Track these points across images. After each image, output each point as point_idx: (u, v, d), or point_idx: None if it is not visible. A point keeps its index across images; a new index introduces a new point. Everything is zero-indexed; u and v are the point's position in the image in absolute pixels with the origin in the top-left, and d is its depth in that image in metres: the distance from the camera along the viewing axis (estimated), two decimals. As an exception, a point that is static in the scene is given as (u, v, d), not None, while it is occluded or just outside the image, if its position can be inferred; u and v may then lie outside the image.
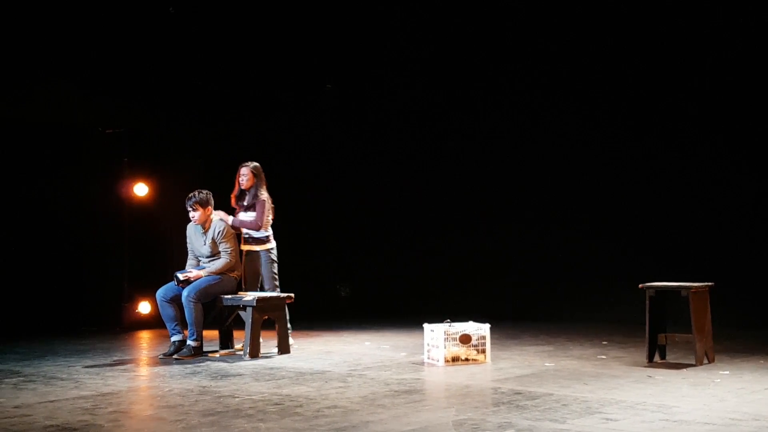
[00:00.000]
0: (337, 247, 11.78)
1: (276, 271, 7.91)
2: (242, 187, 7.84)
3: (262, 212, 7.73)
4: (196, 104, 10.43)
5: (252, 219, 7.74)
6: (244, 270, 7.90)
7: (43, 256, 9.63)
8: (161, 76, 10.12)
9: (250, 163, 7.87)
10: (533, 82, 10.63)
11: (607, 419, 4.81)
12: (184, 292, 7.39)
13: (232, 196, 7.91)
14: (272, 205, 7.90)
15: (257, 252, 7.86)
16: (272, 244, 7.92)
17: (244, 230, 7.86)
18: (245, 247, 7.90)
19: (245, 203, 7.82)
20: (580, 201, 10.36)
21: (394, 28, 11.29)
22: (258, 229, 7.77)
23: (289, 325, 7.84)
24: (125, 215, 9.99)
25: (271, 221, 7.90)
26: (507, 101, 10.88)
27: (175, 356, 7.35)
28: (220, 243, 7.56)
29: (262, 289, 7.89)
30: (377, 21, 11.21)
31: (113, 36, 9.73)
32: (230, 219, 7.75)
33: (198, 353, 7.42)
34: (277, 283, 7.89)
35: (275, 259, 7.92)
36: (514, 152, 10.85)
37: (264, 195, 7.80)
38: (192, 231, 7.72)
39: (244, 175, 7.81)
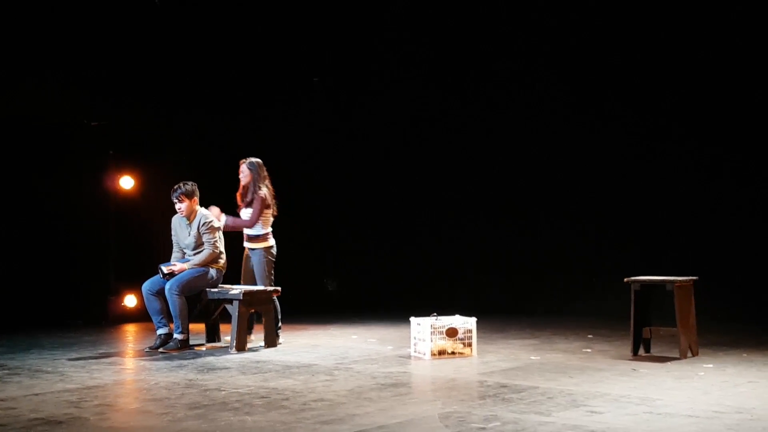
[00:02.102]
0: (324, 241, 11.77)
1: (272, 272, 7.77)
2: (243, 184, 7.76)
3: (258, 210, 7.64)
4: (182, 97, 10.38)
5: (246, 218, 7.67)
6: (242, 268, 7.84)
7: (29, 250, 9.58)
8: (147, 69, 10.07)
9: (248, 159, 7.77)
10: (523, 78, 10.63)
11: (592, 412, 4.84)
12: (167, 285, 7.38)
13: (238, 194, 7.82)
14: (274, 201, 7.79)
15: (254, 249, 7.75)
16: (271, 242, 7.78)
17: (245, 228, 7.80)
18: (247, 245, 7.81)
19: (247, 199, 7.74)
20: (566, 196, 10.38)
21: (386, 19, 11.25)
22: (251, 227, 7.70)
23: (279, 324, 7.82)
24: (111, 208, 9.95)
25: (271, 219, 7.80)
26: (495, 96, 10.87)
27: (161, 349, 7.34)
28: (203, 234, 7.55)
29: None
30: (368, 12, 11.17)
31: (99, 29, 9.68)
32: (223, 218, 7.66)
33: (184, 346, 7.41)
34: (272, 282, 7.75)
35: (273, 258, 7.79)
36: (500, 147, 10.85)
37: (263, 192, 7.69)
38: (177, 223, 7.71)
39: (243, 172, 7.73)
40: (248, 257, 7.82)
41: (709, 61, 9.37)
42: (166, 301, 7.43)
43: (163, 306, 7.46)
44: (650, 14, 9.63)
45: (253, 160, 7.78)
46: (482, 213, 11.00)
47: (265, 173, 7.80)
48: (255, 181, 7.71)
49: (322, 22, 11.06)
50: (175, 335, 7.41)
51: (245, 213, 7.77)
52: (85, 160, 9.86)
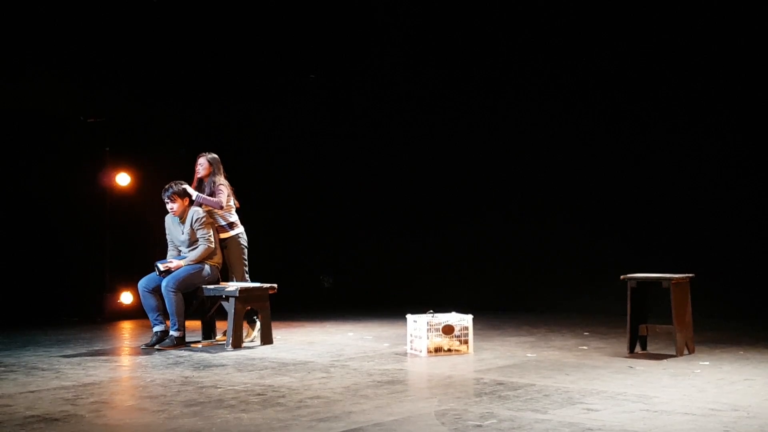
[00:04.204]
0: (320, 238, 11.77)
1: (246, 258, 7.88)
2: (199, 176, 7.86)
3: (225, 195, 7.73)
4: (179, 93, 10.37)
5: (211, 199, 7.71)
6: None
7: (24, 246, 9.56)
8: (143, 64, 10.05)
9: (207, 153, 7.90)
10: (521, 75, 10.62)
11: (589, 409, 4.84)
12: (163, 282, 7.37)
13: (192, 186, 7.86)
14: (232, 190, 7.87)
15: (225, 239, 7.83)
16: (240, 228, 7.90)
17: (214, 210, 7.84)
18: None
19: (205, 193, 7.80)
20: (563, 192, 10.39)
21: (385, 12, 11.22)
22: (220, 208, 7.74)
23: (255, 317, 7.82)
24: (107, 205, 9.94)
25: (234, 207, 7.89)
26: (490, 92, 10.87)
27: (156, 346, 7.33)
28: (197, 230, 7.55)
29: (232, 279, 7.84)
30: (364, 7, 11.15)
31: (95, 24, 9.65)
32: (195, 193, 7.68)
33: (180, 343, 7.40)
34: (246, 269, 7.85)
35: (245, 244, 7.90)
36: (496, 143, 10.85)
37: (223, 182, 7.81)
38: (170, 221, 7.72)
39: (201, 164, 7.85)
40: (222, 247, 7.86)
41: (703, 54, 9.37)
42: (162, 299, 7.42)
43: (159, 303, 7.45)
44: (644, 11, 9.63)
45: (212, 155, 7.91)
46: (479, 210, 10.99)
47: (222, 169, 7.90)
48: (213, 174, 7.82)
49: (319, 16, 11.03)
50: (171, 332, 7.40)
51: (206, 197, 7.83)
52: (81, 156, 9.84)
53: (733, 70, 9.25)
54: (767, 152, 9.16)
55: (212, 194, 7.77)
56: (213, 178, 7.81)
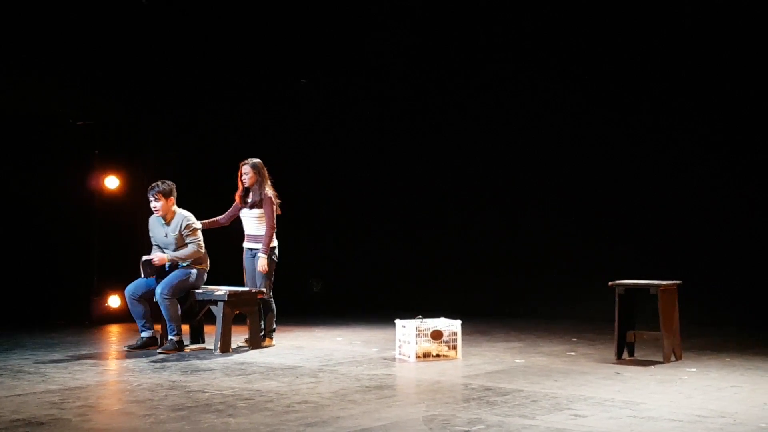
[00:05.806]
0: (310, 243, 11.75)
1: (273, 272, 7.70)
2: (245, 186, 7.66)
3: (271, 213, 7.55)
4: (169, 96, 10.34)
5: (265, 231, 7.55)
6: (244, 268, 7.77)
7: (12, 249, 9.51)
8: (133, 67, 10.02)
9: (250, 160, 7.66)
10: (511, 76, 10.62)
11: (576, 415, 4.86)
12: (158, 290, 7.31)
13: (237, 195, 7.73)
14: (278, 201, 7.68)
15: (257, 249, 7.64)
16: (274, 242, 7.71)
17: (246, 228, 7.71)
18: (247, 245, 7.74)
19: (250, 200, 7.65)
20: (552, 198, 10.41)
21: (375, 16, 11.21)
22: (274, 229, 7.60)
23: (274, 326, 7.78)
24: (96, 208, 9.88)
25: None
26: (481, 95, 10.88)
27: (159, 350, 7.31)
28: (186, 236, 7.47)
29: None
30: (358, 8, 11.14)
31: (85, 26, 9.63)
32: (262, 258, 7.51)
33: (180, 347, 7.37)
34: (271, 284, 7.70)
35: (276, 259, 7.72)
36: (485, 149, 10.87)
37: (269, 192, 7.62)
38: (154, 221, 7.59)
39: (246, 173, 7.62)
40: (252, 257, 7.71)
41: (698, 62, 9.41)
42: (150, 304, 7.40)
43: (146, 309, 7.42)
44: (639, 13, 9.66)
45: (255, 161, 7.69)
46: (468, 216, 11.00)
47: (267, 173, 7.73)
48: (260, 183, 7.63)
49: (311, 19, 11.01)
50: (171, 337, 7.35)
51: (248, 214, 7.70)
52: (70, 159, 9.80)
53: (723, 80, 9.28)
54: (755, 162, 9.20)
55: (257, 204, 7.58)
56: (259, 189, 7.59)
